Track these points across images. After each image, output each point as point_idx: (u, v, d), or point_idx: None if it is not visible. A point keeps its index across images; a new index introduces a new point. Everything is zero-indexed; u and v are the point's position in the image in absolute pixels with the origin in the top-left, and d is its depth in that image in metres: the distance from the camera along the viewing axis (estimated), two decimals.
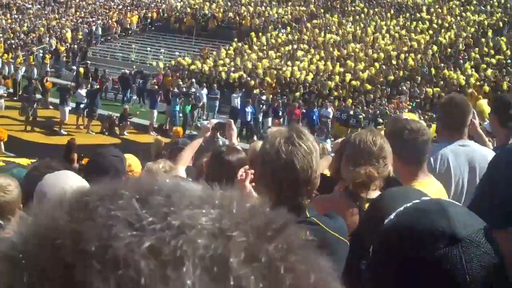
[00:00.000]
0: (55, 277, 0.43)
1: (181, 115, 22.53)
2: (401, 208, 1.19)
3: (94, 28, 37.48)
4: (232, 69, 28.18)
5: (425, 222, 1.10)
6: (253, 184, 2.24)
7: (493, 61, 25.26)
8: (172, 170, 3.74)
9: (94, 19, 39.86)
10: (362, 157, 2.59)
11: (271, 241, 0.47)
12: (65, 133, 20.02)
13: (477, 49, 27.00)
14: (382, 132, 4.33)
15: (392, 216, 1.19)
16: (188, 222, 0.45)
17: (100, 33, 37.29)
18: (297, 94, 25.07)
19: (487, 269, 1.06)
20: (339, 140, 3.86)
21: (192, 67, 29.29)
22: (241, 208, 0.49)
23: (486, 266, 1.06)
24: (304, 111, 22.83)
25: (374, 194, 2.60)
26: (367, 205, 2.51)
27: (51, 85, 24.75)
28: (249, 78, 26.56)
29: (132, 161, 4.58)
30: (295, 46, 30.75)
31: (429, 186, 2.89)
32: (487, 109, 5.02)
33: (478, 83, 23.12)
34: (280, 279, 0.46)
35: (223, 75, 27.61)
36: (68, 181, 2.55)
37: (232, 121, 4.28)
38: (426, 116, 18.73)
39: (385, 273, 1.15)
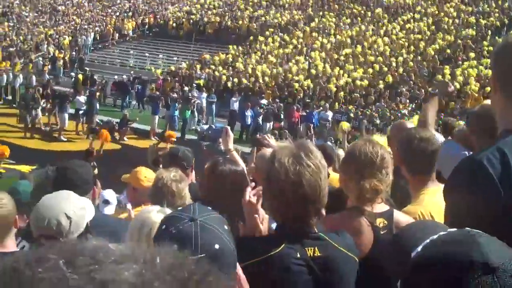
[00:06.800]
0: None
1: (181, 120, 22.53)
2: (428, 241, 1.17)
3: (92, 34, 37.52)
4: (231, 73, 28.18)
5: (456, 253, 1.08)
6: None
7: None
8: (183, 180, 3.53)
9: (91, 26, 39.88)
10: (364, 170, 2.47)
11: None
12: (65, 139, 19.99)
13: (474, 51, 26.95)
14: (385, 139, 4.25)
15: (419, 249, 1.17)
16: (111, 277, 0.48)
17: (97, 39, 37.36)
18: (295, 95, 25.04)
19: None
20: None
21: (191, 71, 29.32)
22: (164, 261, 0.53)
23: None
24: (304, 114, 22.82)
25: (380, 207, 2.52)
26: (378, 220, 2.45)
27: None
28: (248, 83, 26.55)
29: (147, 173, 4.60)
30: (293, 50, 30.72)
31: (438, 194, 2.84)
32: None
33: (478, 83, 23.08)
34: None
35: (224, 78, 27.59)
36: (64, 203, 2.50)
37: (228, 127, 4.23)
38: None
39: None
